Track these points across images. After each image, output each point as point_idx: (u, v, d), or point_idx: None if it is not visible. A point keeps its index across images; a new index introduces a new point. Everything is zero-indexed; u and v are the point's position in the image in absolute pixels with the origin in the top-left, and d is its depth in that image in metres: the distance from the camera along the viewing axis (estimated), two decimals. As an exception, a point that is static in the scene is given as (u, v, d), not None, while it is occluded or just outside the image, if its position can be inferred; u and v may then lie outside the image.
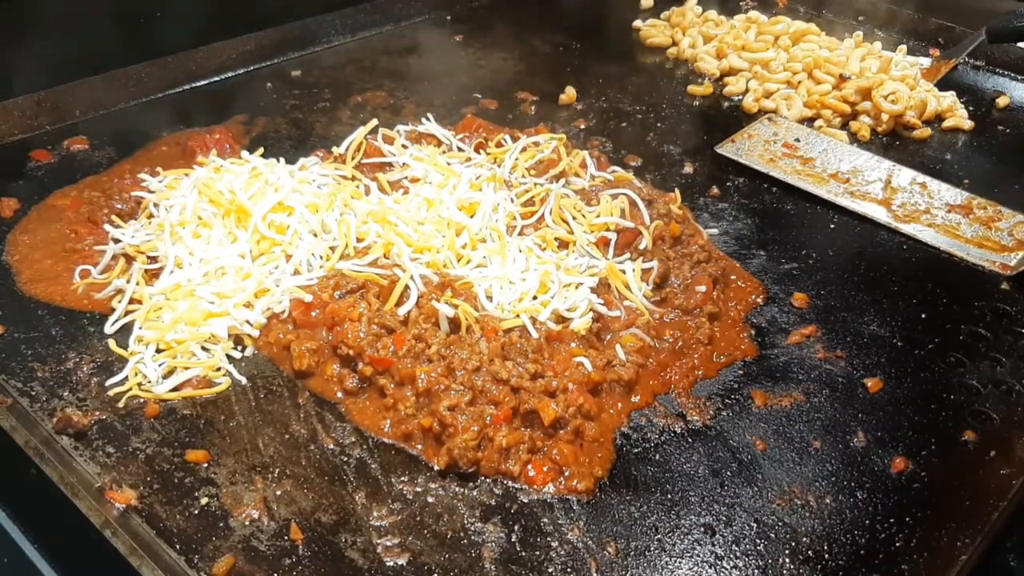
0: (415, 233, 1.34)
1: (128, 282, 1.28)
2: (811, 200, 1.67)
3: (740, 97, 2.03)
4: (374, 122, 1.62)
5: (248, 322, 1.24)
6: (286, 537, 0.98)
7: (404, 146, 1.60)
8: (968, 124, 1.97)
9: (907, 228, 1.58)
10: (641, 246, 1.38)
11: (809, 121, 1.95)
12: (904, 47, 2.22)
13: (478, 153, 1.61)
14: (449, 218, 1.37)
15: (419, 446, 1.10)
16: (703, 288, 1.33)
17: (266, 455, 1.08)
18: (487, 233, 1.37)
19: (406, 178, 1.52)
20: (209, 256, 1.30)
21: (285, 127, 1.78)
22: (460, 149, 1.63)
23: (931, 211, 1.63)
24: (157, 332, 1.20)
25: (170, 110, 1.80)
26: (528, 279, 1.28)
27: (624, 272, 1.33)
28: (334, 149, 1.61)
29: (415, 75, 2.04)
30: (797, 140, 1.82)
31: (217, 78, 1.94)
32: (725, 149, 1.78)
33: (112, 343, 1.21)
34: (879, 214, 1.61)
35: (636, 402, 1.18)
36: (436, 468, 1.07)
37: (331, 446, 1.10)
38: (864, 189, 1.68)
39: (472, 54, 2.16)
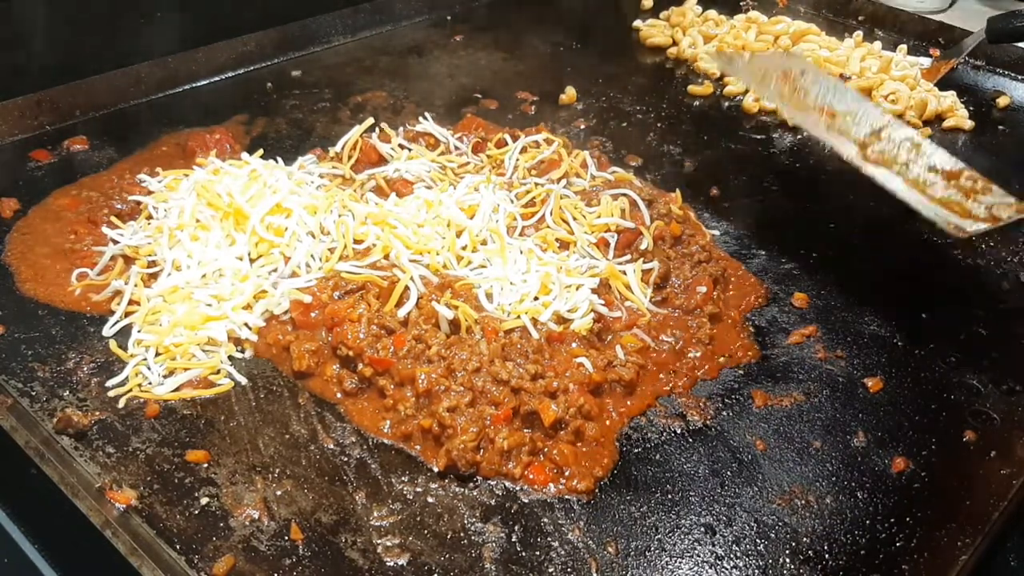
0: (414, 236, 1.34)
1: (126, 284, 1.28)
2: (811, 199, 1.67)
3: (740, 97, 2.03)
4: (370, 120, 1.62)
5: (247, 325, 1.24)
6: (286, 537, 0.98)
7: (401, 146, 1.60)
8: (968, 124, 1.97)
9: (871, 170, 1.42)
10: (642, 247, 1.38)
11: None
12: (904, 47, 2.22)
13: (476, 154, 1.61)
14: (449, 218, 1.37)
15: (418, 447, 1.10)
16: (703, 289, 1.33)
17: (266, 455, 1.08)
18: (487, 235, 1.37)
19: (401, 178, 1.52)
20: (207, 259, 1.30)
21: (285, 127, 1.78)
22: (457, 148, 1.63)
23: (909, 165, 1.47)
24: (156, 336, 1.20)
25: (170, 110, 1.80)
26: (529, 281, 1.28)
27: (625, 273, 1.33)
28: (330, 149, 1.61)
29: (415, 75, 2.04)
30: (803, 72, 1.62)
31: (217, 78, 1.94)
32: (715, 57, 1.67)
33: (112, 344, 1.21)
34: (847, 151, 1.45)
35: (637, 402, 1.18)
36: (436, 469, 1.07)
37: (331, 446, 1.10)
38: (849, 129, 1.51)
39: (472, 54, 2.16)
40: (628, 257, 1.38)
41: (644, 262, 1.36)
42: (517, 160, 1.56)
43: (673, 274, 1.37)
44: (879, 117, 1.56)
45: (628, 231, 1.40)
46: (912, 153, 1.49)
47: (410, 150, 1.59)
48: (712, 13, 2.37)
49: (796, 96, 1.57)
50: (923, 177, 1.45)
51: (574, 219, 1.40)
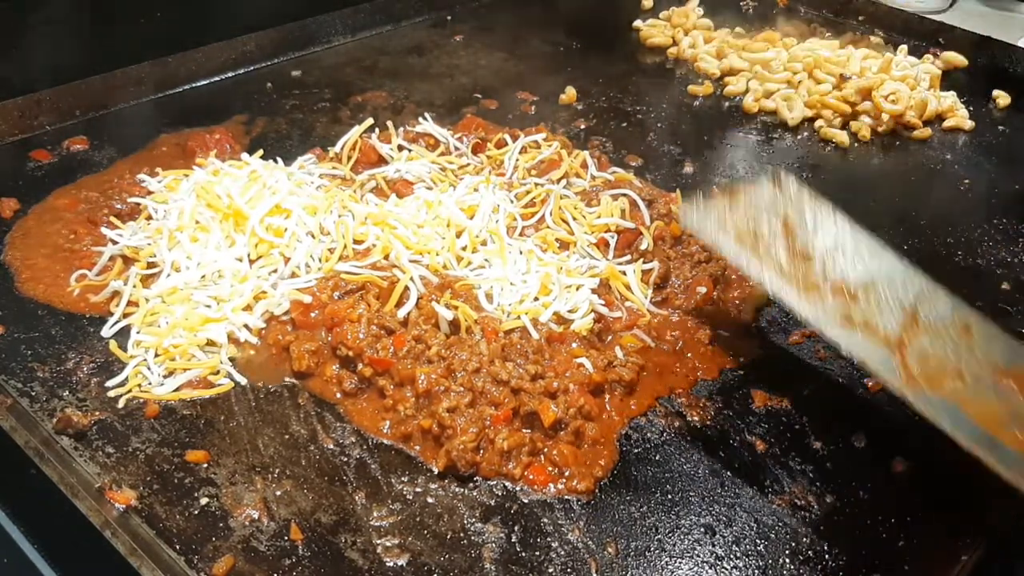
0: (414, 236, 1.34)
1: (125, 284, 1.28)
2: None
3: (740, 97, 2.03)
4: (370, 121, 1.62)
5: (246, 326, 1.24)
6: (286, 537, 0.98)
7: (400, 147, 1.60)
8: (968, 124, 1.97)
9: (924, 404, 1.03)
10: (642, 247, 1.38)
11: (810, 121, 1.95)
12: (904, 47, 2.21)
13: (476, 155, 1.61)
14: (449, 218, 1.37)
15: (418, 447, 1.10)
16: (703, 289, 1.33)
17: (266, 455, 1.08)
18: (487, 235, 1.37)
19: (402, 178, 1.52)
20: (207, 260, 1.30)
21: (285, 127, 1.78)
22: (457, 148, 1.62)
23: (964, 374, 1.03)
24: (155, 338, 1.20)
25: (170, 110, 1.80)
26: (529, 281, 1.28)
27: (625, 274, 1.33)
28: (330, 149, 1.61)
29: (415, 75, 2.04)
30: (802, 217, 1.19)
31: (217, 78, 1.94)
32: (688, 214, 1.26)
33: (112, 344, 1.21)
34: (882, 366, 1.06)
35: (637, 403, 1.18)
36: (436, 470, 1.07)
37: (331, 446, 1.10)
38: (875, 319, 1.09)
39: (472, 54, 2.16)
40: (628, 257, 1.38)
41: (644, 262, 1.36)
42: (517, 160, 1.56)
43: (673, 274, 1.37)
44: (908, 282, 1.13)
45: (628, 231, 1.39)
46: (962, 344, 1.06)
47: (410, 151, 1.59)
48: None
49: (800, 264, 1.15)
50: (986, 391, 1.02)
51: (574, 219, 1.40)
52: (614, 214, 1.41)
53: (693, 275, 1.36)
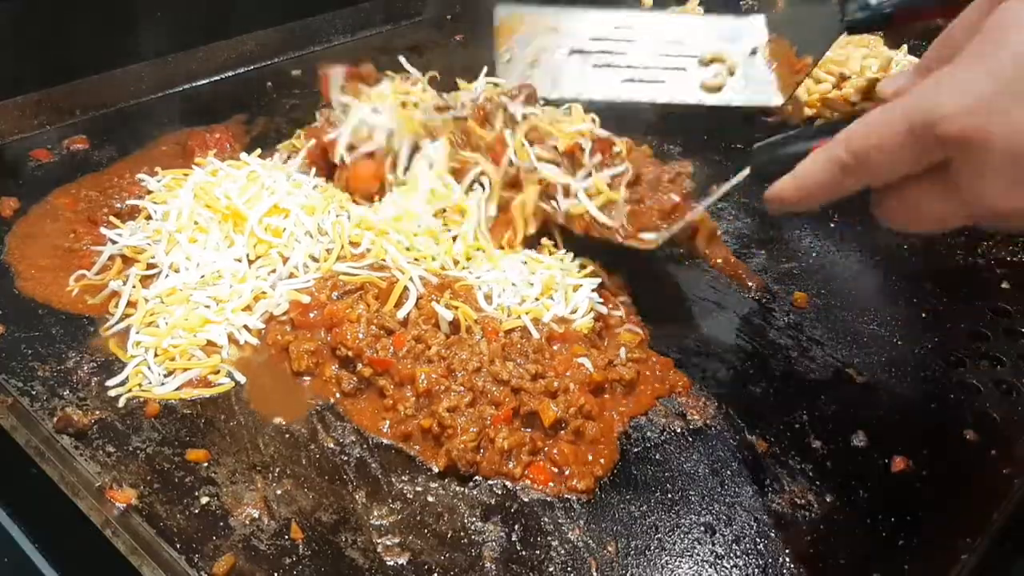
0: (407, 241, 1.33)
1: (124, 284, 1.28)
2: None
3: (740, 97, 2.02)
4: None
5: (246, 327, 1.24)
6: (286, 536, 0.98)
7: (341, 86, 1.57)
8: (968, 124, 1.96)
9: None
10: (615, 151, 1.39)
11: (809, 120, 1.95)
12: (904, 47, 2.21)
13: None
14: (436, 232, 1.37)
15: (417, 447, 1.10)
16: (676, 197, 1.34)
17: (266, 454, 1.08)
18: (480, 233, 1.37)
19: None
20: (206, 260, 1.30)
21: (285, 127, 1.78)
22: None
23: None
24: (154, 338, 1.20)
25: (170, 110, 1.80)
26: (533, 283, 1.28)
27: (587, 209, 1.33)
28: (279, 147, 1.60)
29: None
30: None
31: (217, 78, 1.94)
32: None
33: (113, 344, 1.21)
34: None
35: (637, 402, 1.18)
36: (436, 469, 1.07)
37: (331, 445, 1.10)
38: None
39: (472, 54, 2.16)
40: (600, 158, 1.37)
41: (613, 168, 1.36)
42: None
43: (645, 182, 1.37)
44: None
45: (602, 140, 1.39)
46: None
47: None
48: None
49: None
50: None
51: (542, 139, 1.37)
52: (585, 121, 1.42)
53: (667, 181, 1.37)
